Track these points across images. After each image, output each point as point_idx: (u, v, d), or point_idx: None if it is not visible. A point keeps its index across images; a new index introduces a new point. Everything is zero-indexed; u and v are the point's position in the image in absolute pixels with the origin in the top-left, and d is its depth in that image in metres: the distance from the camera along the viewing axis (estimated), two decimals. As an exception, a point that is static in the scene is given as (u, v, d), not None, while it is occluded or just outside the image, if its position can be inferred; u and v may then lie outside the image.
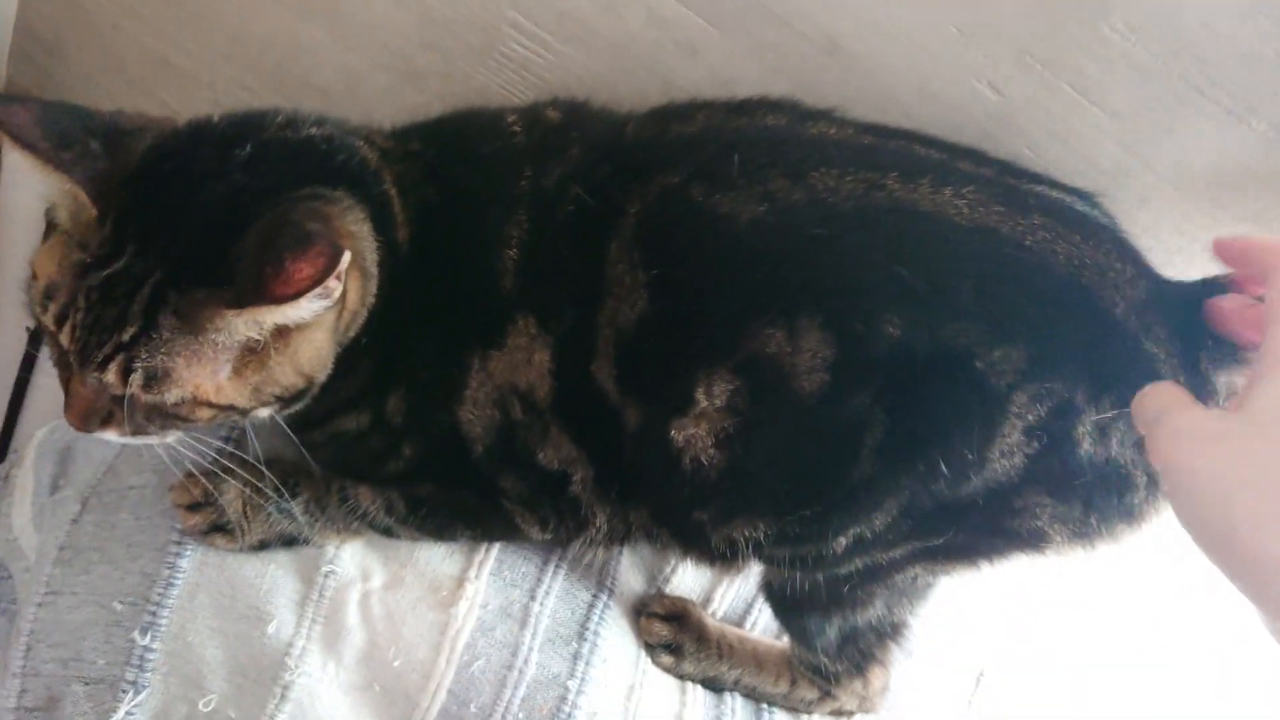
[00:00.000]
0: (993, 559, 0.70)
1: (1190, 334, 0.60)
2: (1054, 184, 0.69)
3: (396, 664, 0.74)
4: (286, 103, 0.67)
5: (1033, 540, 0.66)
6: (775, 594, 0.78)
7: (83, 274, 0.56)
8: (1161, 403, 0.52)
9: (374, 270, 0.63)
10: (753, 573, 0.84)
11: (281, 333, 0.58)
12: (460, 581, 0.78)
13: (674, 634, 0.85)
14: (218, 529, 0.73)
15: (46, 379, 1.00)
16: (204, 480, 0.71)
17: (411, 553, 0.79)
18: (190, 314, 0.56)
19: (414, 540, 0.79)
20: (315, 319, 0.58)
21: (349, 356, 0.64)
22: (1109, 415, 0.60)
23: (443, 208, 0.66)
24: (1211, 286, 0.61)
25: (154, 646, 0.70)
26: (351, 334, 0.64)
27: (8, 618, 0.82)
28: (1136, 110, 0.72)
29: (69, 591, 0.73)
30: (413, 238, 0.65)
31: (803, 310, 0.61)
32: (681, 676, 0.86)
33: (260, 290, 0.53)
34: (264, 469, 0.72)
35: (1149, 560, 0.87)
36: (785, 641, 0.88)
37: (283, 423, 0.66)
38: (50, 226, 0.67)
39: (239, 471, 0.72)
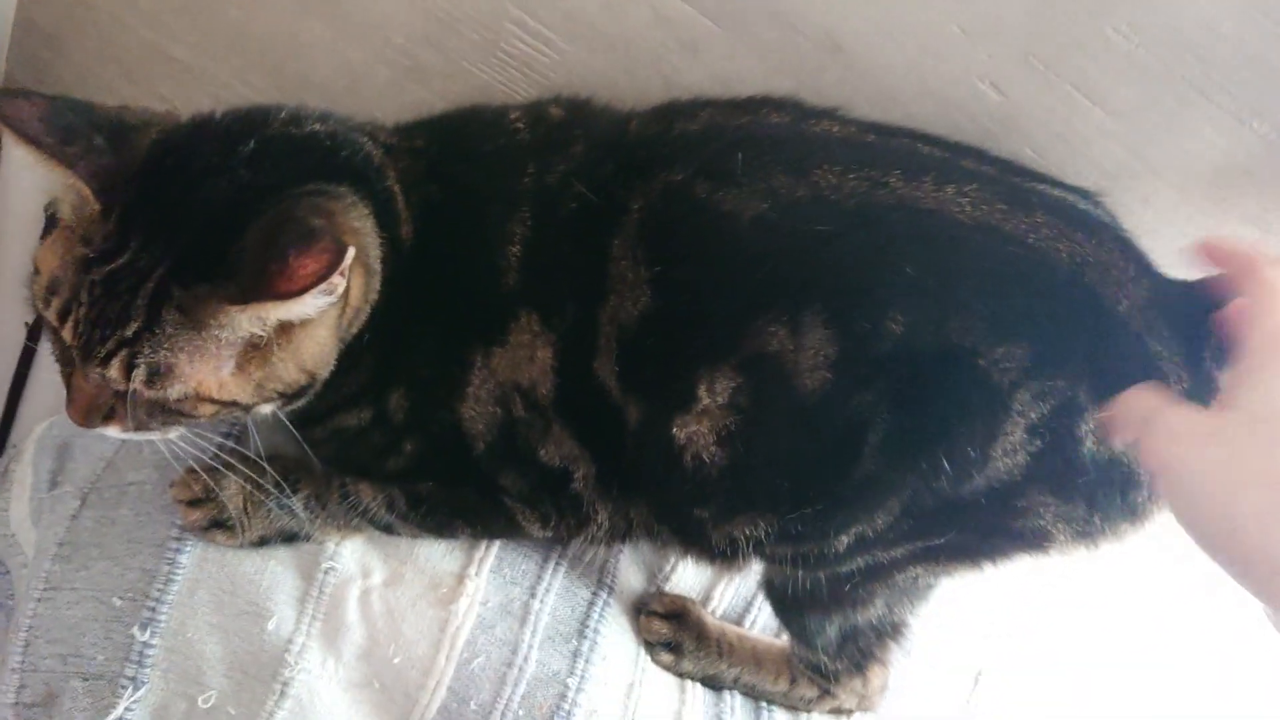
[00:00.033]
0: (995, 559, 0.70)
1: (1193, 333, 0.60)
2: (1056, 183, 0.69)
3: (396, 661, 0.74)
4: (287, 99, 0.66)
5: (1035, 540, 0.66)
6: (776, 592, 0.78)
7: (86, 269, 0.56)
8: (1149, 404, 0.52)
9: (377, 267, 0.63)
10: (752, 571, 0.84)
11: (285, 329, 0.58)
12: (460, 578, 0.78)
13: (673, 632, 0.85)
14: (218, 525, 0.73)
15: (45, 374, 1.00)
16: (205, 476, 0.71)
17: (412, 550, 0.79)
18: (193, 310, 0.55)
19: (414, 537, 0.79)
20: (318, 315, 0.58)
21: (351, 353, 0.64)
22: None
23: (446, 204, 0.66)
24: (1213, 286, 0.61)
25: (153, 642, 0.70)
26: (354, 330, 0.64)
27: (5, 613, 0.82)
28: (1139, 111, 0.72)
29: (68, 587, 0.73)
30: (416, 234, 0.65)
31: (805, 308, 0.61)
32: (681, 674, 0.86)
33: (264, 286, 0.53)
34: (265, 465, 0.71)
35: (1148, 560, 0.87)
36: (785, 640, 0.88)
37: (285, 419, 0.66)
38: (50, 221, 0.67)
39: (240, 467, 0.71)
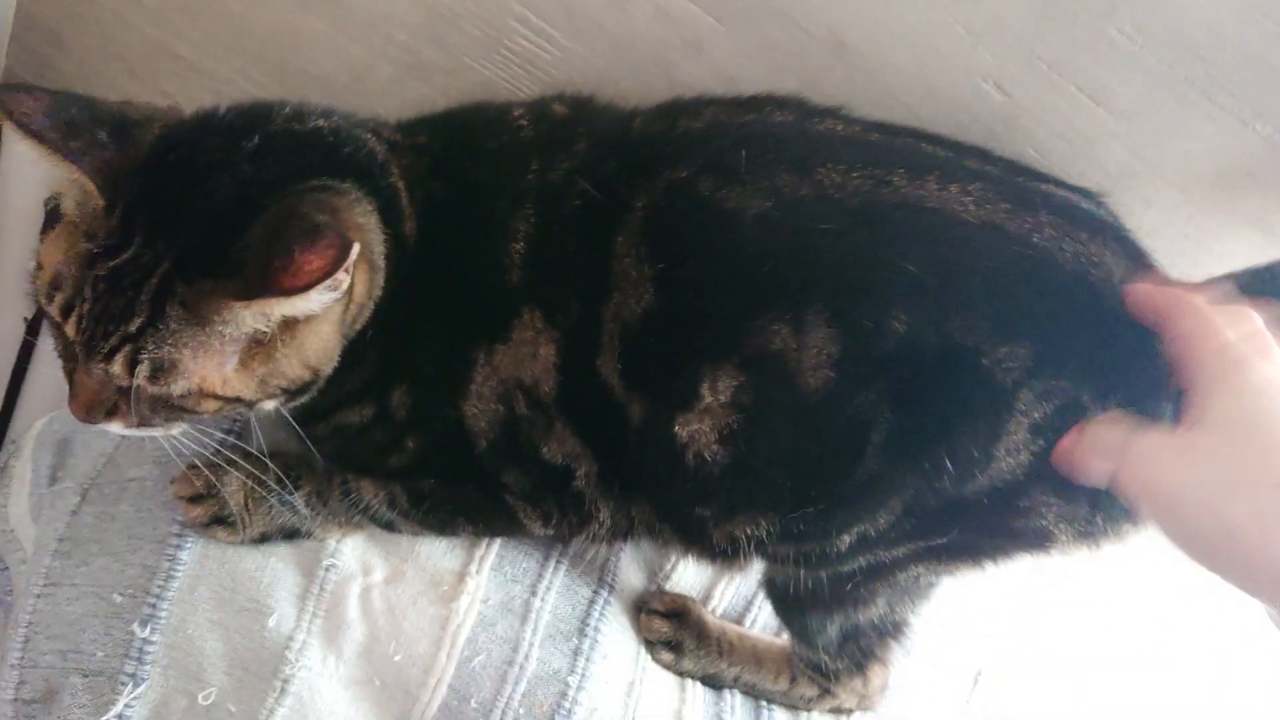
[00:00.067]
0: (997, 559, 0.70)
1: None
2: (1059, 183, 0.69)
3: (397, 658, 0.74)
4: (289, 95, 0.66)
5: (1038, 540, 0.66)
6: (777, 591, 0.78)
7: (89, 264, 0.56)
8: (1119, 432, 0.54)
9: (381, 263, 0.63)
10: (753, 570, 0.84)
11: (288, 325, 0.58)
12: (461, 576, 0.78)
13: (674, 631, 0.85)
14: (219, 521, 0.73)
15: (45, 369, 0.99)
16: (206, 472, 0.71)
17: (413, 547, 0.79)
18: (197, 305, 0.55)
19: (415, 535, 0.79)
20: (322, 311, 0.58)
21: (354, 349, 0.64)
22: (1115, 414, 0.60)
23: (449, 201, 0.66)
24: (1215, 287, 0.61)
25: (153, 639, 0.70)
26: (357, 327, 0.64)
27: (4, 610, 0.82)
28: (1142, 112, 0.73)
29: (68, 583, 0.72)
30: (419, 231, 0.65)
31: (808, 306, 0.61)
32: (681, 673, 0.86)
33: (268, 282, 0.53)
34: (267, 461, 0.71)
35: (1148, 560, 0.87)
36: (785, 639, 0.88)
37: (287, 415, 0.66)
38: (50, 216, 0.66)
39: (242, 464, 0.71)
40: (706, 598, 0.90)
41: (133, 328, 0.56)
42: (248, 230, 0.55)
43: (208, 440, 0.68)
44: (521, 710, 0.75)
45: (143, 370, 0.56)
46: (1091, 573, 0.90)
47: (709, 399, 0.63)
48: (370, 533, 0.78)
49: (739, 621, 0.92)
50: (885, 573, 0.72)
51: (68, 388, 0.61)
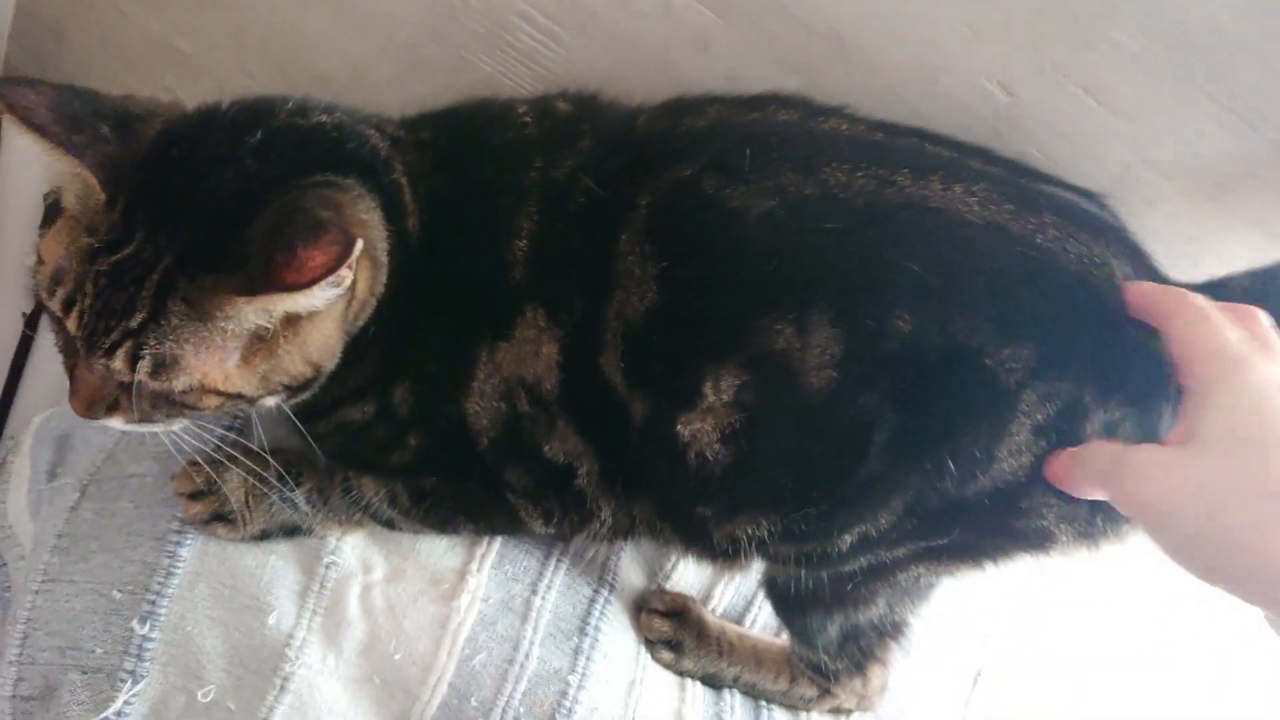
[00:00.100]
0: (997, 559, 0.70)
1: None
2: (1062, 184, 0.69)
3: (397, 657, 0.74)
4: (291, 91, 0.66)
5: (1038, 540, 0.67)
6: (778, 591, 0.78)
7: (91, 259, 0.56)
8: (1110, 452, 0.54)
9: (384, 260, 0.62)
10: (753, 570, 0.84)
11: (291, 321, 0.58)
12: (462, 575, 0.78)
13: (674, 630, 0.85)
14: (219, 518, 0.73)
15: (43, 364, 0.99)
16: (207, 469, 0.71)
17: (413, 545, 0.79)
18: (199, 301, 0.55)
19: (416, 533, 0.78)
20: (325, 308, 0.58)
21: (356, 346, 0.64)
22: (1117, 415, 0.61)
23: (453, 198, 0.66)
24: (1217, 289, 0.62)
25: (153, 636, 0.70)
26: (360, 323, 0.63)
27: (2, 606, 0.81)
28: (1145, 113, 0.73)
29: (67, 579, 0.72)
30: (422, 227, 0.65)
31: (812, 306, 0.61)
32: (681, 673, 0.86)
33: (271, 278, 0.53)
34: (268, 458, 0.71)
35: (1148, 560, 0.87)
36: (784, 639, 0.88)
37: (288, 412, 0.66)
38: (49, 211, 0.66)
39: (242, 460, 0.71)
40: (706, 597, 0.90)
41: (134, 323, 0.55)
42: (251, 226, 0.55)
43: (208, 436, 0.68)
44: (522, 709, 0.75)
45: (144, 366, 0.56)
46: (1091, 573, 0.90)
47: (712, 398, 0.63)
48: (371, 530, 0.78)
49: (739, 621, 0.92)
50: (886, 573, 0.72)
51: (68, 383, 0.60)
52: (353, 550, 0.77)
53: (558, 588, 0.81)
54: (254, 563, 0.73)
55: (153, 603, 0.70)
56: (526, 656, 0.76)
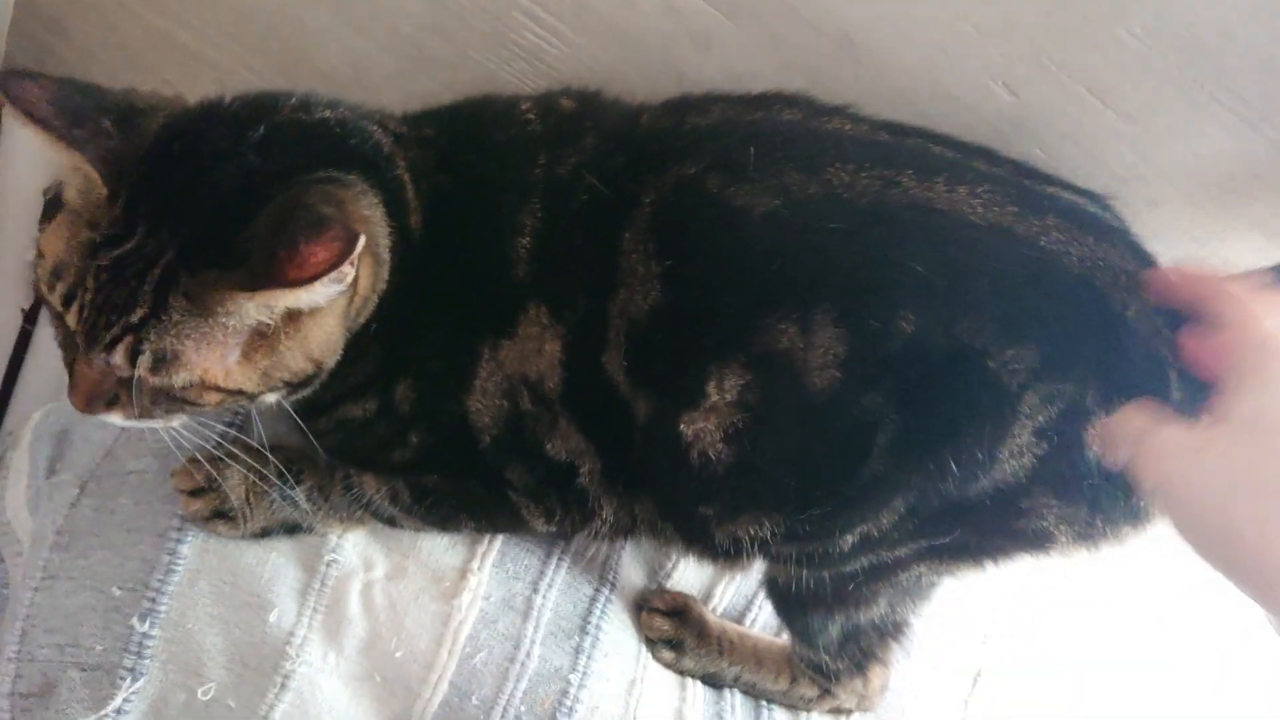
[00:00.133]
0: (998, 559, 0.70)
1: None
2: (1066, 185, 0.69)
3: (398, 655, 0.73)
4: (293, 87, 0.66)
5: (1038, 541, 0.67)
6: (779, 591, 0.78)
7: (92, 253, 0.55)
8: (1140, 423, 0.53)
9: (386, 256, 0.62)
10: (754, 569, 0.84)
11: (292, 317, 0.57)
12: (463, 573, 0.78)
13: (675, 629, 0.85)
14: (220, 515, 0.73)
15: (42, 359, 0.99)
16: (207, 465, 0.71)
17: (414, 543, 0.79)
18: (201, 296, 0.55)
19: (417, 530, 0.78)
20: (327, 304, 0.58)
21: (358, 343, 0.64)
22: None
23: (456, 194, 0.65)
24: (1254, 278, 0.61)
25: (153, 633, 0.70)
26: (361, 320, 0.63)
27: (0, 602, 0.81)
28: (1150, 114, 0.73)
29: (66, 576, 0.72)
30: (425, 224, 0.65)
31: (816, 305, 0.61)
32: (682, 672, 0.85)
33: (274, 273, 0.52)
34: (268, 455, 0.71)
35: (1148, 560, 0.88)
36: (785, 639, 0.88)
37: (289, 408, 0.65)
38: (49, 206, 0.66)
39: (243, 457, 0.71)
40: (707, 597, 0.90)
41: (135, 318, 0.55)
42: (253, 221, 0.55)
43: (208, 433, 0.67)
44: (523, 708, 0.74)
45: (144, 361, 0.56)
46: (1091, 574, 0.90)
47: (715, 397, 0.63)
48: (372, 528, 0.78)
49: (739, 621, 0.92)
50: (887, 573, 0.72)
51: (68, 378, 0.60)
52: (354, 548, 0.77)
53: (559, 586, 0.81)
54: (254, 560, 0.73)
55: (153, 600, 0.70)
56: (528, 655, 0.76)
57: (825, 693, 0.86)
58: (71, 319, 0.57)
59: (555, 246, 0.64)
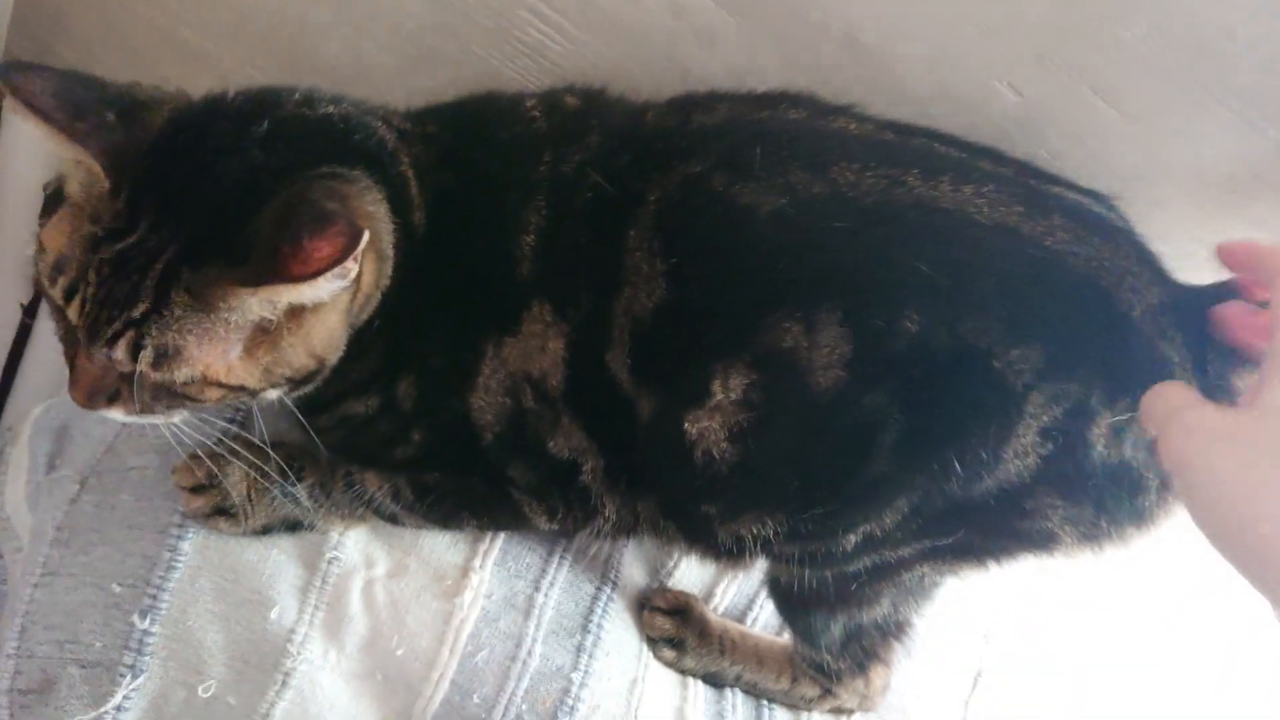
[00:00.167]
0: (1001, 560, 0.70)
1: (1203, 338, 0.60)
2: (1070, 185, 0.69)
3: (399, 653, 0.73)
4: (294, 82, 0.65)
5: (1042, 542, 0.66)
6: (781, 590, 0.78)
7: (94, 248, 0.55)
8: (1173, 402, 0.52)
9: (389, 252, 0.62)
10: (756, 569, 0.84)
11: (295, 313, 0.57)
12: (465, 571, 0.78)
13: (676, 629, 0.85)
14: (221, 512, 0.72)
15: (42, 354, 0.98)
16: (208, 462, 0.70)
17: (416, 541, 0.78)
18: (203, 291, 0.55)
19: (419, 528, 0.78)
20: (330, 300, 0.57)
21: (360, 339, 0.63)
22: (1124, 418, 0.60)
23: (460, 191, 0.65)
24: (1223, 290, 0.61)
25: (153, 630, 0.69)
26: (364, 317, 0.63)
27: (-2, 598, 0.81)
28: (1154, 114, 0.73)
29: (66, 572, 0.72)
30: (429, 221, 0.64)
31: (821, 304, 0.61)
32: (683, 671, 0.85)
33: (277, 269, 0.52)
34: (269, 452, 0.70)
35: (1148, 561, 0.87)
36: (786, 638, 0.88)
37: (291, 405, 0.65)
38: (48, 201, 0.65)
39: (244, 454, 0.70)
40: (708, 596, 0.90)
41: (137, 313, 0.55)
42: (256, 216, 0.55)
43: (210, 429, 0.67)
44: (524, 706, 0.74)
45: (146, 356, 0.55)
46: (1092, 574, 0.90)
47: (720, 396, 0.63)
48: (373, 526, 0.78)
49: (741, 620, 0.91)
50: (890, 573, 0.72)
51: (68, 373, 0.60)
52: (355, 545, 0.76)
53: (560, 585, 0.81)
54: (256, 557, 0.73)
55: (153, 597, 0.70)
56: (529, 653, 0.76)
57: (827, 692, 0.86)
58: (73, 313, 0.56)
59: (559, 244, 0.64)
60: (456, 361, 0.66)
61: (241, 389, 0.59)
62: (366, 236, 0.53)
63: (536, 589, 0.80)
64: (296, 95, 0.63)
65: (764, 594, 0.91)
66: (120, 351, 0.56)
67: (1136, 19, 0.67)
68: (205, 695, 0.69)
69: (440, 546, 0.79)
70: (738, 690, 0.87)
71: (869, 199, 0.62)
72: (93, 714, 0.67)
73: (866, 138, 0.68)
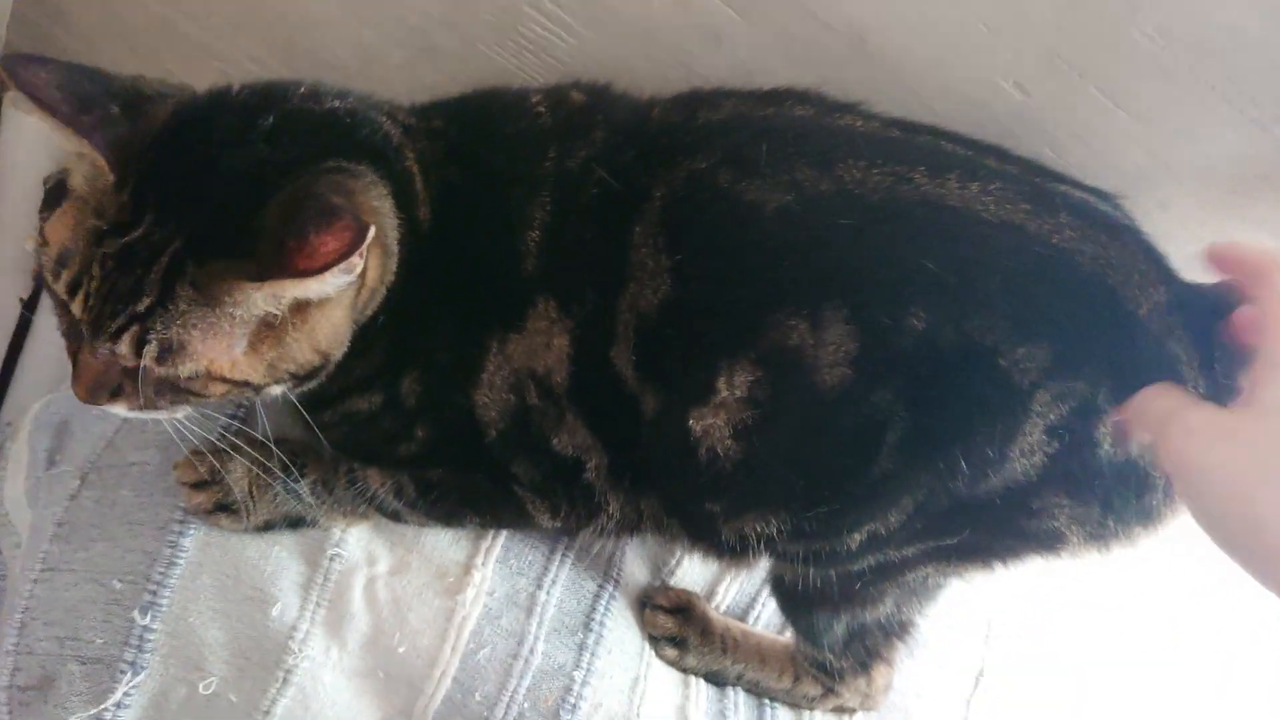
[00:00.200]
0: (1007, 560, 0.70)
1: (1209, 336, 0.60)
2: (1076, 184, 0.69)
3: (401, 650, 0.73)
4: (298, 77, 0.65)
5: (1048, 541, 0.66)
6: (785, 589, 0.78)
7: (98, 241, 0.55)
8: (1168, 404, 0.52)
9: (394, 248, 0.62)
10: (759, 567, 0.84)
11: (300, 308, 0.57)
12: (467, 568, 0.77)
13: (678, 627, 0.85)
14: (222, 508, 0.72)
15: (42, 348, 0.98)
16: (210, 458, 0.70)
17: (418, 538, 0.78)
18: (208, 286, 0.54)
19: (421, 525, 0.78)
20: (335, 295, 0.57)
21: (365, 335, 0.63)
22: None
23: (465, 186, 0.65)
24: (1229, 289, 0.61)
25: (154, 627, 0.69)
26: (369, 312, 0.63)
27: (-3, 595, 0.81)
28: (1161, 114, 0.72)
29: (66, 569, 0.71)
30: (434, 216, 0.64)
31: (827, 302, 0.60)
32: (685, 670, 0.85)
33: (282, 263, 0.52)
34: (272, 447, 0.70)
35: (1150, 561, 0.87)
36: (789, 637, 0.88)
37: (295, 401, 0.65)
38: (49, 195, 0.65)
39: (246, 450, 0.70)
40: (711, 594, 0.90)
41: (141, 307, 0.55)
42: (261, 211, 0.54)
43: (212, 425, 0.67)
44: (526, 704, 0.74)
45: (150, 351, 0.55)
46: (1094, 574, 0.90)
47: (725, 393, 0.62)
48: (376, 522, 0.77)
49: (743, 618, 0.91)
50: (894, 572, 0.71)
51: (71, 368, 0.59)
52: (357, 542, 0.76)
53: (563, 583, 0.81)
54: (257, 554, 0.73)
55: (154, 593, 0.70)
56: (531, 651, 0.76)
57: (829, 691, 0.86)
58: (77, 308, 0.56)
59: (564, 240, 0.64)
60: (461, 357, 0.65)
61: (246, 384, 0.59)
62: (372, 231, 0.53)
63: (539, 587, 0.79)
64: (302, 89, 0.62)
65: (766, 592, 0.90)
66: (124, 346, 0.55)
67: (1144, 19, 0.67)
68: (206, 692, 0.68)
69: (442, 544, 0.78)
70: (740, 689, 0.87)
71: (875, 196, 0.61)
72: (93, 711, 0.67)
73: (873, 135, 0.67)
